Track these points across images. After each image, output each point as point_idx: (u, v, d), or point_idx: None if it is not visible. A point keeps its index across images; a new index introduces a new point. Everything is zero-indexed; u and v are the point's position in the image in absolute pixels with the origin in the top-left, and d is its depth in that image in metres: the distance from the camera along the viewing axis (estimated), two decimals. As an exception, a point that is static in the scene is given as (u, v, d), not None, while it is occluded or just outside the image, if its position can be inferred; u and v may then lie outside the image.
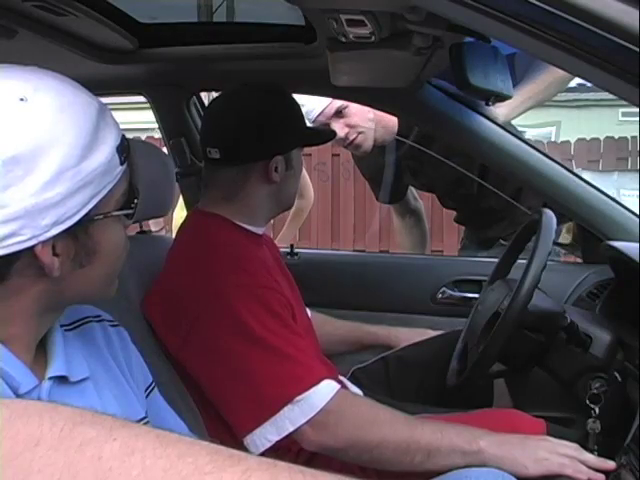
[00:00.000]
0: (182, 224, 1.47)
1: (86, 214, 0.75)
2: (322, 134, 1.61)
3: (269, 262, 1.42)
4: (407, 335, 1.76)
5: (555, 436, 1.33)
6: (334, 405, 1.19)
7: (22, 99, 0.71)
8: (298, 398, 1.17)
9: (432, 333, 1.78)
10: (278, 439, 1.18)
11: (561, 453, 1.17)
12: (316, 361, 1.27)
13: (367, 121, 2.14)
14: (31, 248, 0.73)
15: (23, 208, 0.70)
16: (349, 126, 2.13)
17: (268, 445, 1.18)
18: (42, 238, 0.72)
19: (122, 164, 0.79)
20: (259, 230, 1.42)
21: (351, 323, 1.79)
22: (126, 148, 0.81)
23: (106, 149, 0.76)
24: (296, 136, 1.43)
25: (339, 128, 2.11)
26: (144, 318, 1.32)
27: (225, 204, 1.38)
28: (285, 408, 1.17)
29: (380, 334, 1.77)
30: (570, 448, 1.19)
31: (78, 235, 0.76)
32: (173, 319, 1.28)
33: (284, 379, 1.19)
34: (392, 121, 2.17)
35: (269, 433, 1.18)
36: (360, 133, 2.15)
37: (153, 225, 3.26)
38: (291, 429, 1.17)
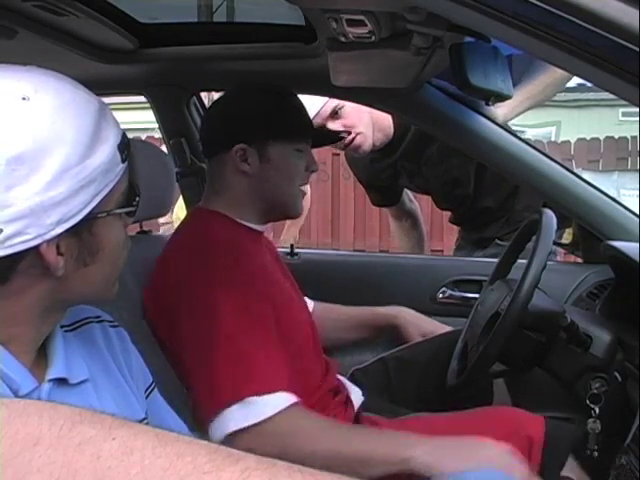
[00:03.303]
0: (182, 221, 1.48)
1: (89, 212, 0.76)
2: (325, 136, 1.60)
3: (266, 259, 1.43)
4: (417, 320, 1.74)
5: (555, 433, 1.34)
6: (278, 417, 1.15)
7: (24, 98, 0.71)
8: (248, 400, 1.15)
9: (438, 324, 1.76)
10: (221, 438, 1.14)
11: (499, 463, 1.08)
12: (282, 373, 1.22)
13: (364, 121, 2.12)
14: (36, 247, 0.73)
15: (28, 207, 0.70)
16: (346, 127, 2.10)
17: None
18: (47, 237, 0.73)
19: (123, 162, 0.80)
20: (258, 227, 1.43)
21: (357, 307, 1.76)
22: (127, 146, 0.81)
23: (108, 147, 0.77)
24: (271, 131, 1.38)
25: (336, 129, 2.10)
26: (143, 317, 1.32)
27: (215, 197, 1.42)
28: (234, 406, 1.15)
29: (388, 314, 1.74)
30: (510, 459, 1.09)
31: (81, 234, 0.77)
32: (163, 308, 1.30)
33: (240, 378, 1.17)
34: (387, 120, 2.16)
35: (216, 429, 1.16)
36: (358, 134, 2.12)
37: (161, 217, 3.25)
38: (232, 429, 1.14)
